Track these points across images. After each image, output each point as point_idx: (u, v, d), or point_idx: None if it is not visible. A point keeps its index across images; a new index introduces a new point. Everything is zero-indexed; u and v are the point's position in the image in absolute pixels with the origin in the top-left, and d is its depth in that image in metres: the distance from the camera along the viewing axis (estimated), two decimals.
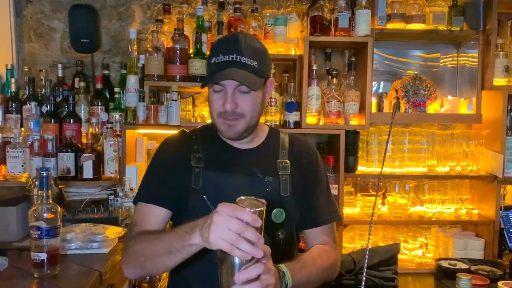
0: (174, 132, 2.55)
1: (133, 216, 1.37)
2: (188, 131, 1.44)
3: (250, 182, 1.30)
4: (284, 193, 1.31)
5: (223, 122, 1.28)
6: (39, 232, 1.40)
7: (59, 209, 1.46)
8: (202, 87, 1.29)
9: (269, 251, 1.02)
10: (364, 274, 0.87)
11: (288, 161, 1.36)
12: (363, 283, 0.88)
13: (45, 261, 1.41)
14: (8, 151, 2.23)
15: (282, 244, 1.29)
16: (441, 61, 2.78)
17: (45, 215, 1.41)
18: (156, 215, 1.30)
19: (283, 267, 1.15)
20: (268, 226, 1.17)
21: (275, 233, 1.28)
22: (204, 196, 1.16)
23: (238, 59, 1.22)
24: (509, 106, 2.43)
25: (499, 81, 2.43)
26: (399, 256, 2.47)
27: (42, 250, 1.40)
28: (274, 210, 1.26)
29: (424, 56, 2.80)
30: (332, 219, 1.41)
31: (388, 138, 1.03)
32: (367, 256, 0.86)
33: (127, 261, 1.23)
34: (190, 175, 1.30)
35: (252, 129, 1.32)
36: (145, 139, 2.62)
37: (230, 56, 1.22)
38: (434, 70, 2.78)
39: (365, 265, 0.84)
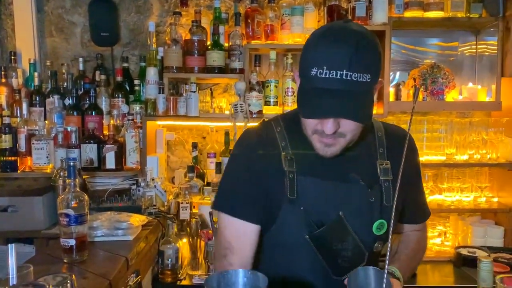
0: (193, 123, 2.64)
1: (221, 230, 1.18)
2: (269, 120, 1.23)
3: (351, 190, 1.13)
4: (387, 202, 1.14)
5: (319, 140, 1.08)
6: (67, 219, 1.45)
7: (86, 197, 1.51)
8: (303, 117, 1.07)
9: None
10: (387, 259, 0.88)
11: (388, 162, 1.16)
12: (387, 267, 0.89)
13: (74, 247, 1.46)
14: (33, 143, 2.31)
15: (376, 254, 1.19)
16: (459, 49, 2.76)
17: (73, 202, 1.46)
18: (249, 234, 1.15)
19: (396, 272, 1.14)
20: (368, 238, 1.13)
21: (374, 245, 1.15)
22: (302, 208, 1.09)
23: (348, 77, 0.97)
24: None
25: None
26: None
27: (71, 236, 1.45)
28: (376, 222, 1.12)
29: (441, 44, 2.78)
30: (427, 216, 1.34)
31: (409, 128, 1.02)
32: (389, 243, 0.87)
33: None
34: (282, 181, 1.12)
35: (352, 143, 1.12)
36: (164, 130, 2.67)
37: (339, 72, 0.96)
38: (452, 58, 2.76)
39: (389, 249, 0.86)
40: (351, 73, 0.97)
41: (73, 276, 0.80)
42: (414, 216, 1.32)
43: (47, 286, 0.71)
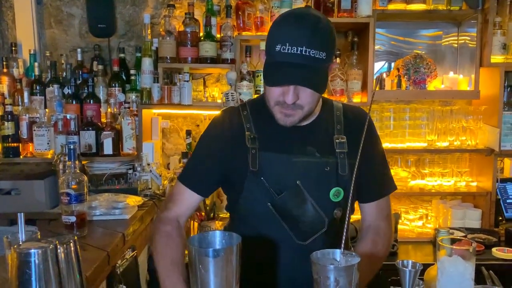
0: (186, 112, 2.76)
1: (174, 188, 1.43)
2: (237, 106, 1.41)
3: (308, 162, 1.27)
4: (342, 172, 1.27)
5: (280, 111, 1.22)
6: (68, 198, 1.58)
7: (85, 178, 1.64)
8: (267, 85, 1.21)
9: None
10: (345, 230, 1.01)
11: (344, 137, 1.30)
12: (344, 238, 1.00)
13: (75, 223, 1.59)
14: (34, 130, 2.43)
15: (338, 220, 1.29)
16: (444, 40, 2.87)
17: (73, 183, 1.59)
18: (188, 198, 1.36)
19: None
20: (326, 205, 1.26)
21: (333, 212, 1.27)
22: (262, 178, 1.22)
23: (307, 53, 1.12)
24: (506, 82, 2.53)
25: (497, 58, 2.51)
26: (401, 227, 2.63)
27: (72, 213, 1.59)
28: (333, 189, 1.25)
29: (429, 35, 2.88)
30: (387, 191, 1.39)
31: (369, 110, 1.15)
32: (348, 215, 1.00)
33: (151, 242, 1.36)
34: (246, 156, 1.27)
35: (309, 115, 1.28)
36: (159, 118, 2.79)
37: (299, 48, 1.11)
38: (440, 49, 2.86)
39: (347, 217, 0.99)
40: (310, 50, 1.11)
41: (75, 237, 0.93)
42: (362, 196, 1.35)
43: (53, 241, 0.83)
